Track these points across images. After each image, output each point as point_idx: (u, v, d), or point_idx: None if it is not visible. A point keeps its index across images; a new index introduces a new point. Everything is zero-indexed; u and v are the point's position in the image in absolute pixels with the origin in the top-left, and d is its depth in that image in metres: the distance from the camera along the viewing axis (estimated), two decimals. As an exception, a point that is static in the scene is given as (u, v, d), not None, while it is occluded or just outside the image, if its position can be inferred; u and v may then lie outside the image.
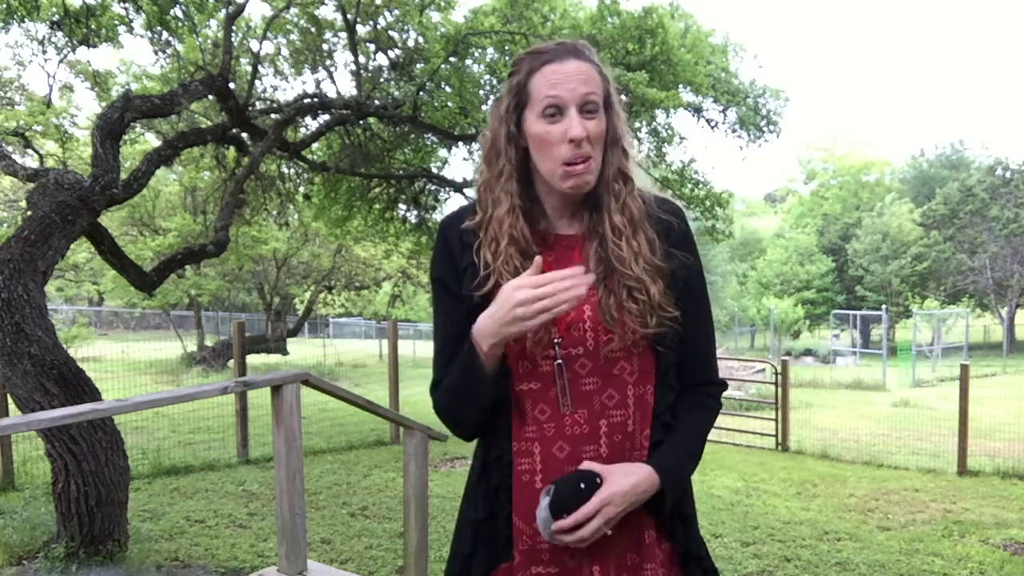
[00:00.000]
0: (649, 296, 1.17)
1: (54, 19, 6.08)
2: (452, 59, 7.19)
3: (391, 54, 8.31)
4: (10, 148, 7.86)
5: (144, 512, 5.23)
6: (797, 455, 9.03)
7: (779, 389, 9.68)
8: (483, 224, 1.23)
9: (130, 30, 6.46)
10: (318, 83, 8.87)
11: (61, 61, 7.44)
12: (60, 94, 10.21)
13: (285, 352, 18.10)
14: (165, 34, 6.67)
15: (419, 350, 25.77)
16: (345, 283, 22.06)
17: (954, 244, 29.00)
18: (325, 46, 8.39)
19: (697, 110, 11.89)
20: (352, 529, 5.10)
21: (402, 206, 10.18)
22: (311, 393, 3.32)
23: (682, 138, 10.75)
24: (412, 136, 8.82)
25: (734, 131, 12.53)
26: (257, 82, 8.02)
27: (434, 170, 9.57)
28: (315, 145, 8.74)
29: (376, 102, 7.64)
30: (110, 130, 4.67)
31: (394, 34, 8.19)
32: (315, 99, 7.70)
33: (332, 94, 7.95)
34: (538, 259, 1.12)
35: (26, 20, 5.93)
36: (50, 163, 8.82)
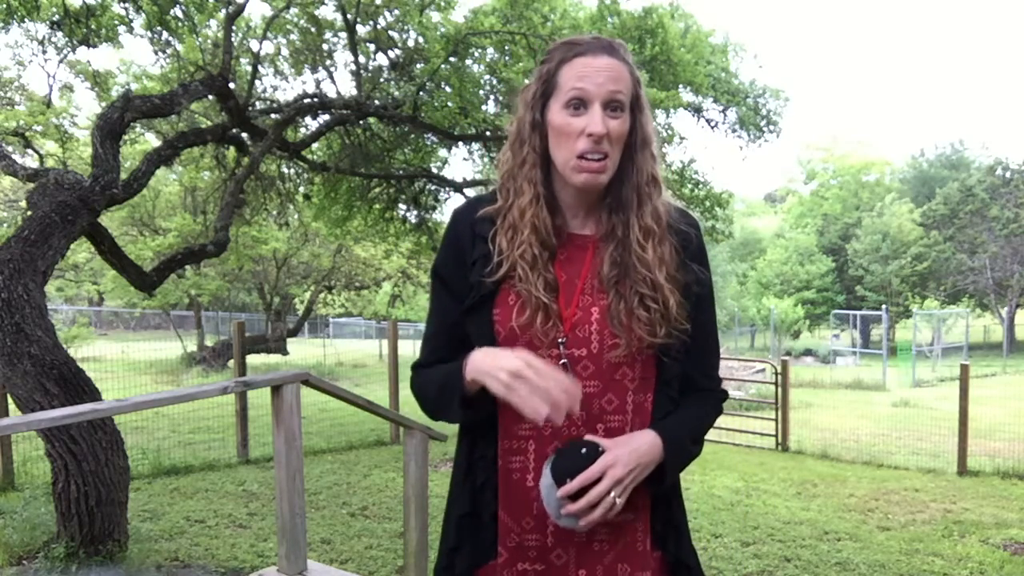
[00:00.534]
0: (665, 307, 1.16)
1: (54, 19, 6.08)
2: (452, 59, 7.19)
3: (391, 54, 8.31)
4: (10, 148, 7.86)
5: (144, 512, 5.23)
6: (797, 455, 9.03)
7: (779, 389, 9.68)
8: (503, 211, 1.22)
9: (130, 30, 6.46)
10: (318, 83, 8.88)
11: (61, 61, 7.43)
12: (60, 94, 10.22)
13: (285, 352, 18.09)
14: (165, 34, 6.67)
15: (419, 350, 25.74)
16: (345, 283, 22.06)
17: (954, 244, 29.00)
18: (325, 46, 8.39)
19: (697, 110, 11.89)
20: (352, 529, 5.10)
21: (402, 206, 10.18)
22: (311, 393, 3.31)
23: (682, 138, 10.73)
24: (412, 136, 8.82)
25: (734, 131, 12.53)
26: (257, 82, 8.02)
27: (434, 170, 9.57)
28: (315, 145, 8.74)
29: (376, 102, 7.64)
30: (110, 130, 4.67)
31: (394, 34, 8.19)
32: (315, 99, 7.70)
33: (332, 94, 7.95)
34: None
35: (26, 20, 5.93)
36: (50, 163, 8.81)
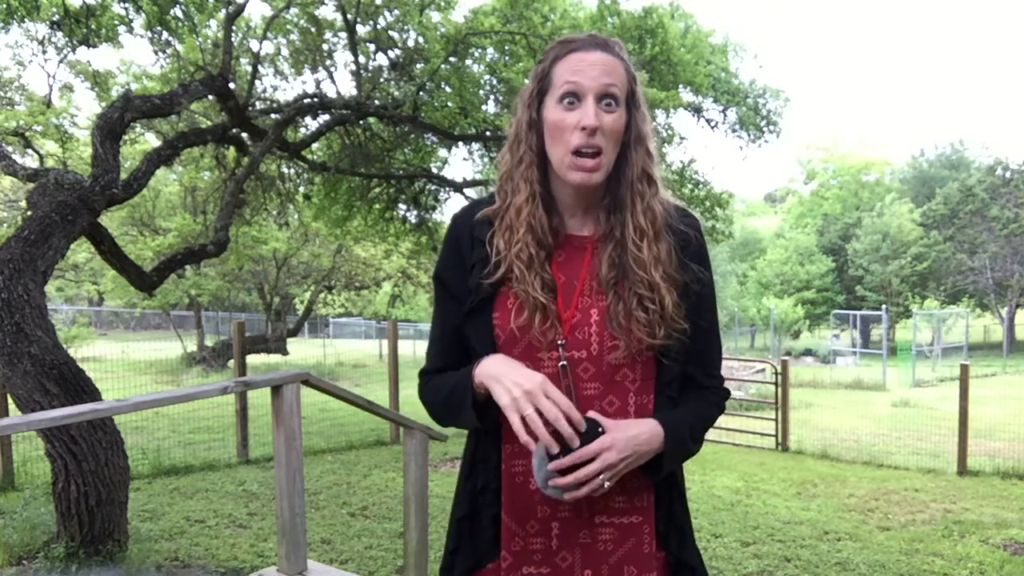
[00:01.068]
0: (662, 306, 1.15)
1: (54, 19, 6.08)
2: (452, 59, 7.19)
3: (391, 54, 8.32)
4: (10, 148, 7.85)
5: (144, 512, 5.23)
6: (797, 455, 9.03)
7: (779, 389, 9.68)
8: (500, 212, 1.21)
9: (130, 30, 6.46)
10: (318, 83, 8.88)
11: (61, 61, 7.43)
12: (60, 94, 10.21)
13: (285, 352, 18.09)
14: (165, 34, 6.67)
15: (419, 350, 25.76)
16: (345, 283, 22.07)
17: (954, 244, 29.00)
18: (325, 46, 8.39)
19: (697, 110, 11.90)
20: (352, 529, 5.10)
21: (402, 206, 10.18)
22: (311, 393, 3.31)
23: (682, 138, 10.74)
24: (412, 136, 8.82)
25: (734, 131, 12.54)
26: (257, 82, 8.02)
27: (434, 170, 9.57)
28: (315, 145, 8.74)
29: (376, 102, 7.64)
30: (110, 130, 4.67)
31: (394, 34, 8.20)
32: (315, 99, 7.70)
33: (332, 94, 7.95)
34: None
35: (26, 20, 5.93)
36: (50, 163, 8.82)
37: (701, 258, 1.24)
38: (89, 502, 3.90)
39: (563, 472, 1.07)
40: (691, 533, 1.28)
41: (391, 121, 7.90)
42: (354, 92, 7.67)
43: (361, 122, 8.04)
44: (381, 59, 8.44)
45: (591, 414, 1.12)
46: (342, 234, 11.62)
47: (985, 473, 7.70)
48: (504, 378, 1.08)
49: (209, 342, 18.49)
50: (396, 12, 7.87)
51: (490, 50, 7.84)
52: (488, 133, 8.02)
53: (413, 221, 10.33)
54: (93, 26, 6.06)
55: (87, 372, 4.06)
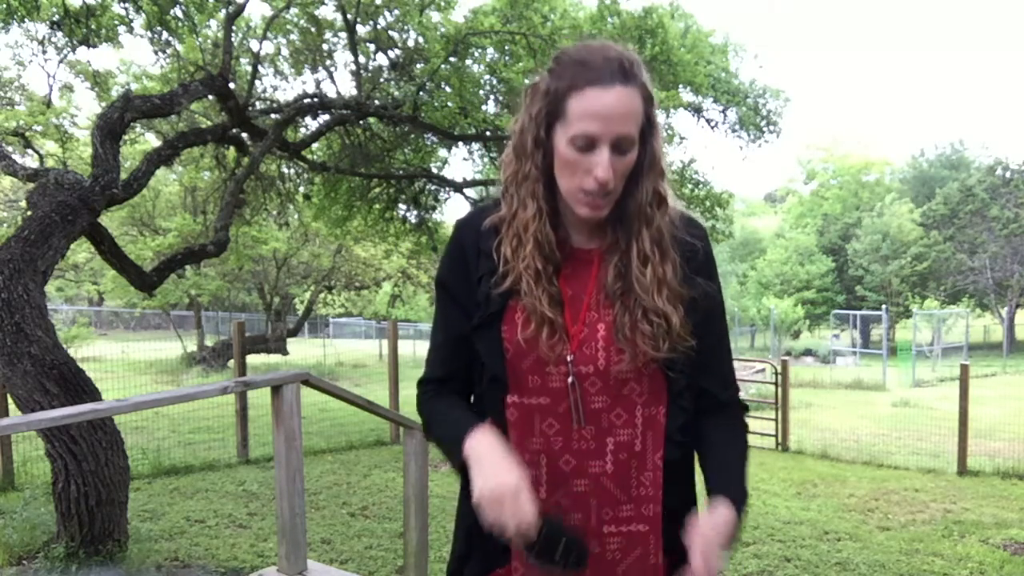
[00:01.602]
0: (668, 323, 1.15)
1: (54, 19, 6.09)
2: (452, 59, 7.20)
3: (391, 54, 8.32)
4: (10, 148, 7.85)
5: (144, 512, 5.23)
6: (797, 455, 9.03)
7: (779, 389, 9.68)
8: (506, 220, 1.20)
9: (130, 30, 6.47)
10: (318, 83, 8.90)
11: (61, 61, 7.44)
12: (60, 94, 10.22)
13: (285, 352, 18.10)
14: (165, 34, 6.67)
15: (419, 350, 25.75)
16: (345, 283, 22.07)
17: (954, 244, 28.99)
18: (325, 46, 8.40)
19: (697, 110, 11.91)
20: (352, 529, 5.10)
21: (402, 206, 10.18)
22: (311, 393, 3.32)
23: (682, 138, 10.76)
24: (412, 136, 8.83)
25: (734, 131, 12.55)
26: (257, 82, 8.02)
27: (434, 170, 9.58)
28: (315, 145, 8.74)
29: (376, 102, 7.64)
30: (110, 130, 4.67)
31: (394, 34, 8.20)
32: (315, 99, 7.70)
33: (332, 94, 7.95)
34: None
35: (26, 20, 5.94)
36: (50, 163, 8.82)
37: (708, 270, 1.22)
38: (89, 502, 3.90)
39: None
40: None
41: (391, 121, 7.90)
42: (354, 92, 7.67)
43: (361, 122, 8.04)
44: (381, 59, 8.45)
45: (552, 514, 1.11)
46: (342, 234, 11.63)
47: (985, 473, 7.69)
48: (482, 470, 1.08)
49: (209, 342, 18.49)
50: (396, 12, 7.87)
51: (490, 50, 7.84)
52: (488, 133, 8.02)
53: (413, 221, 10.34)
54: (93, 26, 6.06)
55: (87, 372, 4.06)
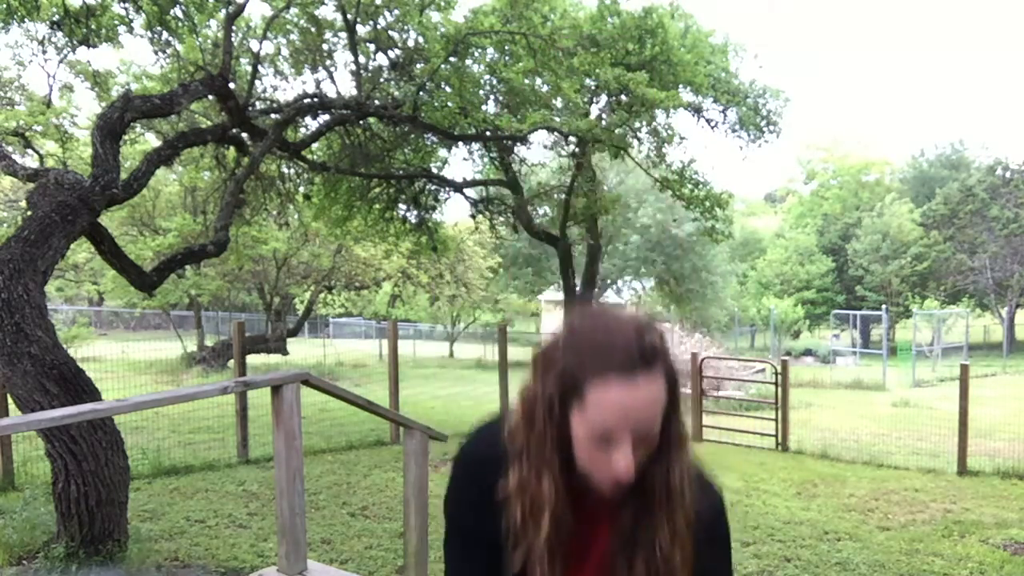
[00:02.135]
0: None
1: (54, 19, 6.09)
2: (452, 59, 7.20)
3: (391, 54, 8.32)
4: (10, 148, 7.85)
5: (144, 512, 5.23)
6: (797, 455, 9.03)
7: (779, 389, 9.68)
8: (520, 484, 1.11)
9: (130, 30, 6.47)
10: (318, 83, 8.89)
11: (61, 61, 7.44)
12: (60, 94, 10.20)
13: (285, 352, 18.09)
14: (165, 34, 6.68)
15: (419, 350, 25.80)
16: (345, 283, 22.04)
17: (954, 244, 29.01)
18: (325, 46, 8.40)
19: (697, 110, 11.90)
20: (352, 529, 5.10)
21: (402, 206, 10.20)
22: (311, 393, 3.31)
23: (682, 138, 10.76)
24: (412, 136, 8.83)
25: (734, 131, 12.55)
26: (257, 82, 8.02)
27: (434, 170, 9.59)
28: (315, 145, 8.74)
29: (376, 102, 7.64)
30: (110, 130, 4.67)
31: (394, 34, 8.20)
32: (315, 99, 7.70)
33: (332, 94, 7.95)
34: None
35: (26, 20, 5.94)
36: (50, 163, 8.80)
37: (721, 542, 1.19)
38: (89, 502, 3.90)
39: None
40: None
41: (391, 121, 7.90)
42: (354, 92, 7.67)
43: (361, 122, 8.04)
44: (381, 59, 8.45)
45: None
46: (342, 234, 11.64)
47: (985, 473, 7.69)
48: None
49: (209, 342, 18.49)
50: (396, 12, 7.87)
51: (490, 50, 7.85)
52: (488, 133, 8.02)
53: (413, 221, 10.35)
54: (93, 26, 6.07)
55: (87, 372, 4.07)
